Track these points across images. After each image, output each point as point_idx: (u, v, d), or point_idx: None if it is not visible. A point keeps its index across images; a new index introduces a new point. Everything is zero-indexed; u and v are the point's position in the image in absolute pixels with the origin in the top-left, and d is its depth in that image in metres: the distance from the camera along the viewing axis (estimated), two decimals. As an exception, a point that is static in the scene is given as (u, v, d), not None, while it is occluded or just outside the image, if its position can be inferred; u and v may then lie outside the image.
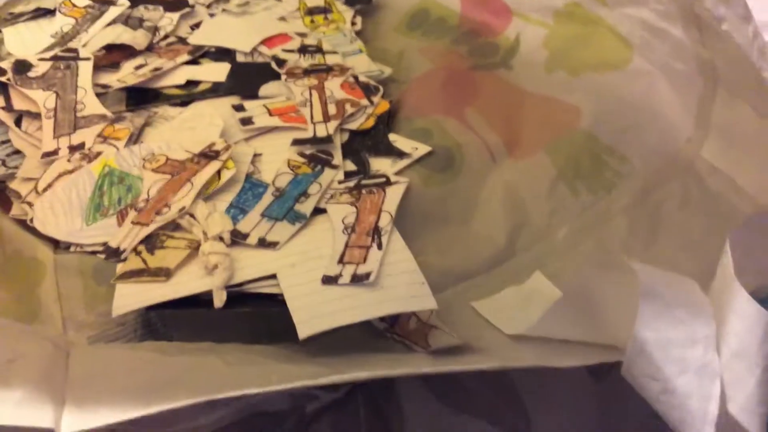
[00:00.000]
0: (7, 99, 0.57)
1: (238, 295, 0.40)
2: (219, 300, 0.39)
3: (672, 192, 0.44)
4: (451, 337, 0.38)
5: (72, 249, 0.46)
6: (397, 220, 0.45)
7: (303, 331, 0.36)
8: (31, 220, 0.48)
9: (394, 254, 0.41)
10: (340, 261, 0.41)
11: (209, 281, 0.40)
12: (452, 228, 0.46)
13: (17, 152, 0.54)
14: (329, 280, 0.40)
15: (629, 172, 0.45)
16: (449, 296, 0.43)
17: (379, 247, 0.41)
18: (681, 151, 0.44)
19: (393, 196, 0.46)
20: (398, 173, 0.49)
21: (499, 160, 0.50)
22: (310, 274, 0.40)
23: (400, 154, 0.50)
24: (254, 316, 0.40)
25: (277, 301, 0.40)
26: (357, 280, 0.39)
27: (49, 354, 0.32)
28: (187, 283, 0.40)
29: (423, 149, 0.50)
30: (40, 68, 0.58)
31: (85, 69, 0.58)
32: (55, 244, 0.46)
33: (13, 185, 0.51)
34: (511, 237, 0.45)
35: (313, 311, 0.37)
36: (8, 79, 0.57)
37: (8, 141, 0.55)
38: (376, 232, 0.43)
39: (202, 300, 0.40)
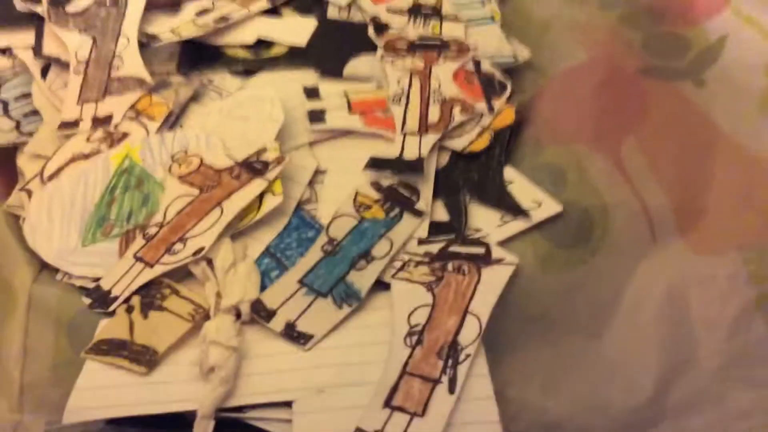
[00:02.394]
0: (39, 38, 0.45)
1: (231, 423, 0.28)
2: (201, 435, 0.27)
3: None
4: None
5: (58, 276, 0.35)
6: (491, 321, 0.30)
7: None
8: (23, 221, 0.37)
9: (472, 406, 0.27)
10: (388, 403, 0.27)
11: (199, 395, 0.28)
12: (573, 344, 0.31)
13: (36, 113, 0.43)
14: (364, 439, 0.26)
15: None
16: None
17: (451, 388, 0.27)
18: None
19: (490, 286, 0.31)
20: (506, 242, 0.33)
21: (662, 240, 0.33)
22: (340, 416, 0.27)
23: (515, 210, 0.34)
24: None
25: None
26: (404, 452, 0.25)
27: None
28: (170, 389, 0.28)
29: (550, 207, 0.34)
30: (82, 1, 0.46)
31: (135, 9, 0.45)
32: (41, 263, 0.35)
33: (20, 161, 0.41)
34: (662, 383, 0.29)
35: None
36: (42, 11, 0.45)
37: (29, 95, 0.44)
38: (453, 352, 0.28)
39: (183, 415, 0.28)
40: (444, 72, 0.42)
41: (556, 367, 0.31)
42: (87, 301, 0.33)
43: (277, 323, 0.31)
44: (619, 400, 0.30)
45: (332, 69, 0.43)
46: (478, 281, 0.31)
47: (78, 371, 0.31)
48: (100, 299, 0.33)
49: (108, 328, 0.31)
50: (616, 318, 0.31)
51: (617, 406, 0.29)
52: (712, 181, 0.35)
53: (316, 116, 0.40)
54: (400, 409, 0.27)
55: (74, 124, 0.41)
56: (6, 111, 0.43)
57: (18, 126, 0.43)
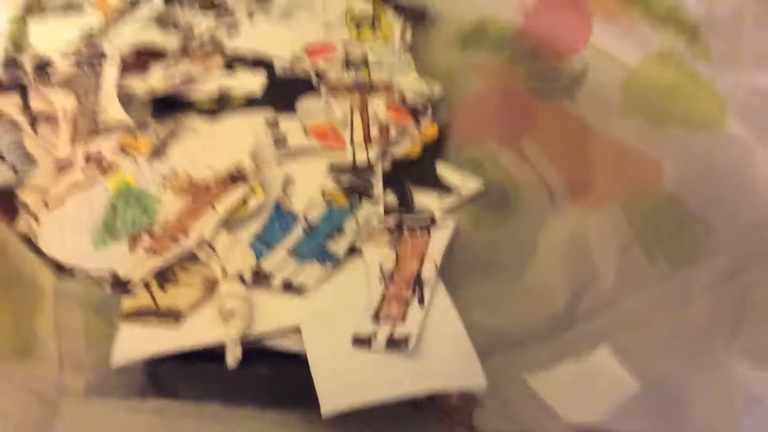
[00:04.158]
0: (25, 98, 0.52)
1: (254, 351, 0.35)
2: (232, 358, 0.34)
3: (762, 276, 0.38)
4: (501, 419, 0.32)
5: (77, 275, 0.41)
6: (443, 265, 0.39)
7: (327, 407, 0.31)
8: (37, 238, 0.43)
9: (438, 314, 0.35)
10: (375, 317, 0.35)
11: (224, 331, 0.35)
12: (505, 278, 0.40)
13: (30, 159, 0.50)
14: (361, 342, 0.34)
15: (715, 246, 0.39)
16: (498, 364, 0.37)
17: (421, 302, 0.36)
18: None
19: (439, 240, 0.40)
20: (445, 212, 0.43)
21: (558, 203, 0.44)
22: (338, 331, 0.35)
23: (448, 190, 0.44)
24: (271, 378, 0.34)
25: (298, 360, 0.34)
26: (393, 345, 0.34)
27: (33, 416, 0.27)
28: (198, 332, 0.35)
29: (474, 185, 0.44)
30: (63, 67, 0.53)
31: (110, 71, 0.54)
32: (59, 268, 0.41)
33: (23, 195, 0.47)
34: (573, 298, 0.39)
35: (340, 381, 0.32)
36: (28, 77, 0.52)
37: (22, 145, 0.50)
38: (418, 283, 0.37)
39: (214, 351, 0.35)
40: (378, 104, 0.52)
41: (495, 295, 0.40)
42: (108, 288, 0.39)
43: (276, 281, 0.38)
44: (542, 312, 0.39)
45: (286, 109, 0.52)
46: (429, 238, 0.40)
47: (108, 339, 0.37)
48: (120, 284, 0.39)
49: (133, 301, 0.38)
50: (534, 258, 0.41)
51: (541, 317, 0.39)
52: (591, 162, 0.46)
53: (280, 142, 0.49)
54: (385, 319, 0.35)
55: (68, 160, 0.48)
56: (1, 158, 0.50)
57: (15, 170, 0.49)
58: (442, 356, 0.33)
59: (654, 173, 0.42)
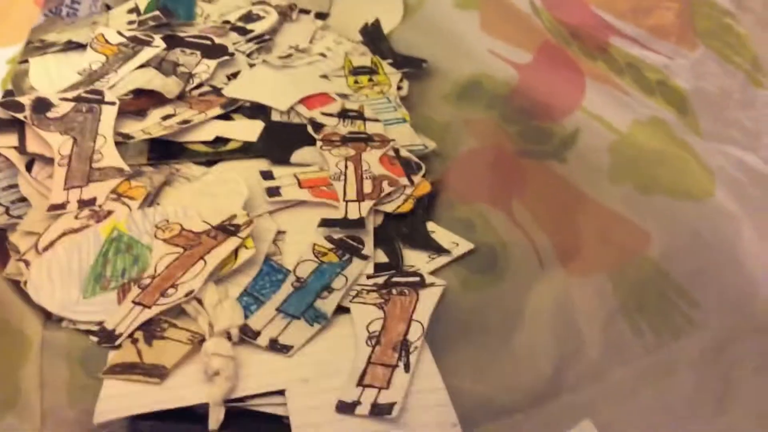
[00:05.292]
0: (22, 139, 0.53)
1: (238, 413, 0.35)
2: (215, 420, 0.34)
3: (748, 352, 0.38)
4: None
5: (64, 324, 0.41)
6: (429, 328, 0.40)
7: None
8: (25, 283, 0.43)
9: (424, 380, 0.36)
10: (360, 382, 0.35)
11: (208, 391, 0.35)
12: (491, 344, 0.40)
13: (23, 199, 0.50)
14: (345, 407, 0.34)
15: (701, 320, 0.39)
16: (481, 436, 0.37)
17: (407, 368, 0.36)
18: (761, 309, 0.38)
19: (427, 302, 0.40)
20: (434, 272, 0.43)
21: (547, 267, 0.44)
22: (324, 395, 0.35)
23: (439, 250, 0.44)
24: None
25: (281, 424, 0.34)
26: (378, 412, 0.34)
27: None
28: (182, 390, 0.35)
29: (464, 246, 0.45)
30: (61, 108, 0.54)
31: (109, 115, 0.54)
32: (47, 316, 0.42)
33: (13, 238, 0.47)
34: (558, 367, 0.39)
35: (323, 448, 0.32)
36: (25, 117, 0.53)
37: (15, 186, 0.51)
38: (404, 347, 0.37)
39: (196, 412, 0.35)
40: (371, 157, 0.53)
41: (480, 360, 0.40)
42: (94, 339, 0.39)
43: (263, 340, 0.38)
44: (527, 381, 0.39)
45: (281, 158, 0.53)
46: (417, 299, 0.41)
47: (93, 395, 0.36)
48: (107, 336, 0.39)
49: (118, 355, 0.38)
50: (520, 323, 0.42)
51: (527, 386, 0.39)
52: (579, 226, 0.47)
53: (272, 191, 0.49)
54: (370, 385, 0.35)
55: (62, 206, 0.48)
56: (-6, 199, 0.50)
57: (7, 211, 0.49)
58: (426, 426, 0.33)
59: (641, 242, 0.42)
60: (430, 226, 0.47)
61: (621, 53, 0.47)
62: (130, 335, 0.39)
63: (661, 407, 0.37)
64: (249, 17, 0.68)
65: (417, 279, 0.42)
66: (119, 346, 0.39)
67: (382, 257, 0.45)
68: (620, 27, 0.45)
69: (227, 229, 0.45)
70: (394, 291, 0.41)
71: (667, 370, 0.38)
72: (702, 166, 0.43)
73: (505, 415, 0.37)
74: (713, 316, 0.39)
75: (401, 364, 0.36)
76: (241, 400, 0.35)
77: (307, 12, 0.70)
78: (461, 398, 0.37)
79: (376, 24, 0.66)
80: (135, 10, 0.68)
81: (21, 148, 0.52)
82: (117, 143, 0.53)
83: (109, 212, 0.48)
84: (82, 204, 0.48)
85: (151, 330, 0.39)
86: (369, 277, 0.43)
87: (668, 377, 0.38)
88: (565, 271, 0.44)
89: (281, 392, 0.35)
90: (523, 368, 0.40)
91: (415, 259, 0.44)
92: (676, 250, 0.41)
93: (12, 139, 0.53)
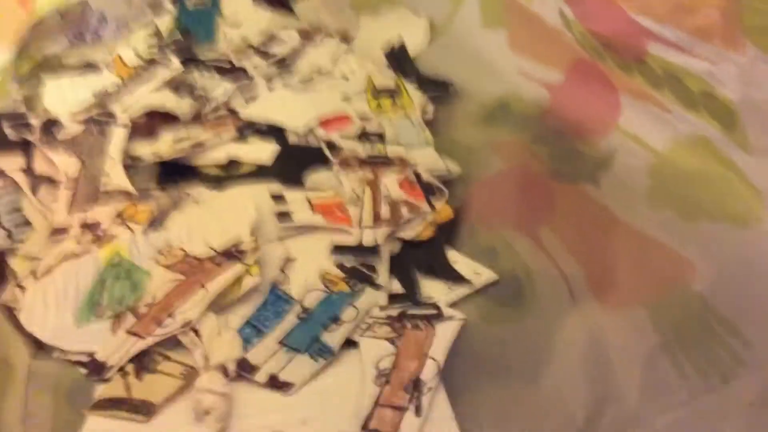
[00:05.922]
0: (29, 160, 0.51)
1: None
2: (201, 466, 0.30)
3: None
4: None
5: (55, 355, 0.38)
6: (446, 366, 0.36)
7: None
8: (19, 310, 0.41)
9: (437, 426, 0.32)
10: (365, 426, 0.31)
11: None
12: (515, 385, 0.36)
13: (26, 223, 0.48)
14: (346, 455, 0.30)
15: (753, 361, 0.34)
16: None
17: (418, 412, 0.32)
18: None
19: (444, 337, 0.37)
20: (453, 304, 0.39)
21: (578, 299, 0.40)
22: (323, 440, 0.31)
23: (459, 280, 0.41)
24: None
25: (276, 472, 0.30)
26: (382, 461, 0.30)
27: None
28: (170, 430, 0.32)
29: (487, 276, 0.41)
30: (71, 130, 0.52)
31: (119, 137, 0.52)
32: (38, 346, 0.39)
33: (13, 263, 0.45)
34: (591, 413, 0.35)
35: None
36: (34, 138, 0.51)
37: (20, 209, 0.49)
38: (417, 387, 0.33)
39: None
40: (391, 181, 0.50)
41: (502, 405, 0.36)
42: (84, 371, 0.36)
43: (261, 376, 0.35)
44: (555, 429, 0.35)
45: (295, 181, 0.50)
46: (433, 334, 0.37)
47: (75, 430, 0.34)
48: (97, 369, 0.36)
49: (106, 389, 0.35)
50: (549, 363, 0.37)
51: (557, 434, 0.35)
52: (614, 254, 0.42)
53: (283, 216, 0.46)
54: (376, 430, 0.31)
55: (64, 230, 0.46)
56: (-2, 222, 0.48)
57: (10, 235, 0.47)
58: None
59: (683, 272, 0.38)
60: (451, 254, 0.43)
61: (660, 62, 0.43)
62: (121, 368, 0.36)
63: (708, 462, 0.32)
64: (271, 41, 0.66)
65: (434, 312, 0.38)
66: (109, 379, 0.36)
67: (398, 288, 0.41)
68: (659, 31, 0.41)
69: (232, 254, 0.42)
70: (408, 324, 0.38)
71: (715, 417, 0.33)
72: (750, 187, 0.39)
73: (529, 469, 0.33)
74: (766, 356, 0.34)
75: (412, 407, 0.32)
76: (233, 444, 0.32)
77: (332, 36, 0.68)
78: (480, 446, 0.33)
79: (402, 46, 0.64)
80: (156, 33, 0.67)
81: (28, 170, 0.50)
82: (127, 166, 0.50)
83: (112, 236, 0.45)
84: (86, 228, 0.46)
85: (143, 362, 0.36)
86: (382, 308, 0.39)
87: (717, 426, 0.33)
88: (598, 304, 0.40)
89: (277, 435, 0.32)
90: (550, 414, 0.35)
91: (433, 289, 0.41)
92: (723, 281, 0.36)
93: (20, 161, 0.51)
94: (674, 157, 0.44)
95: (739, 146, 0.39)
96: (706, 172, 0.42)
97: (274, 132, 0.55)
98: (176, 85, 0.59)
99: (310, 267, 0.42)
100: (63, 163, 0.50)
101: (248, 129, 0.55)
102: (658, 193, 0.42)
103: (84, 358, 0.38)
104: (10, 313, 0.41)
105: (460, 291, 0.40)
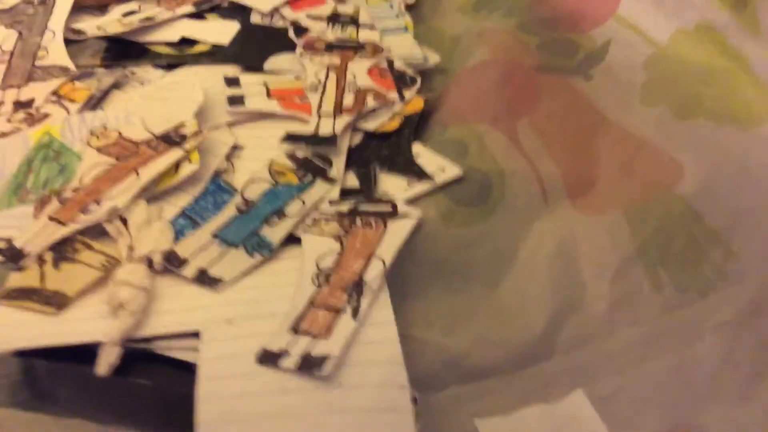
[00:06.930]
0: (-38, 32, 0.46)
1: (142, 355, 0.28)
2: (105, 363, 0.27)
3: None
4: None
5: (-30, 240, 0.35)
6: (397, 269, 0.32)
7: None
8: (-63, 192, 0.37)
9: (375, 330, 0.28)
10: (295, 327, 0.28)
11: (106, 327, 0.28)
12: (473, 290, 0.33)
13: (-43, 100, 0.43)
14: (269, 357, 0.27)
15: (737, 274, 0.31)
16: (446, 400, 0.29)
17: (355, 314, 0.29)
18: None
19: (395, 235, 0.33)
20: (411, 202, 0.35)
21: (552, 202, 0.36)
22: (247, 341, 0.28)
23: (420, 175, 0.36)
24: (153, 392, 0.27)
25: (191, 373, 0.27)
26: (307, 366, 0.27)
27: None
28: (81, 325, 0.29)
29: (451, 172, 0.37)
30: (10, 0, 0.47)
31: (62, 8, 0.47)
32: (-47, 229, 0.35)
33: (-64, 141, 0.41)
34: (552, 323, 0.31)
35: (230, 408, 0.25)
36: (-30, 8, 0.46)
37: (-50, 83, 0.44)
38: (357, 288, 0.30)
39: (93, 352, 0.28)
40: (359, 67, 0.45)
41: (457, 310, 0.32)
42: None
43: (190, 270, 0.31)
44: (513, 338, 0.31)
45: (254, 65, 0.45)
46: (384, 232, 0.33)
47: (-16, 322, 0.30)
48: (12, 255, 0.33)
49: (18, 278, 0.32)
50: (512, 268, 0.34)
51: (511, 343, 0.31)
52: (597, 156, 0.38)
53: (235, 100, 0.41)
54: (306, 332, 0.28)
55: (-5, 106, 0.42)
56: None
57: (-64, 110, 0.43)
58: (364, 388, 0.26)
59: (671, 175, 0.34)
60: (416, 148, 0.39)
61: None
62: (39, 256, 0.33)
63: (676, 382, 0.29)
64: None
65: (388, 208, 0.34)
66: (23, 268, 0.32)
67: (353, 181, 0.37)
68: None
69: (171, 139, 0.38)
70: (358, 221, 0.34)
71: (688, 334, 0.30)
72: (755, 83, 0.34)
73: (480, 376, 0.30)
74: (752, 270, 0.31)
75: (349, 309, 0.29)
76: (149, 340, 0.28)
77: None
78: (427, 354, 0.30)
79: None
80: None
81: (-40, 42, 0.46)
82: (69, 41, 0.46)
83: (46, 115, 0.41)
84: (18, 105, 0.42)
85: (62, 250, 0.33)
86: (332, 203, 0.35)
87: (689, 344, 0.30)
88: (573, 207, 0.36)
89: (197, 336, 0.29)
90: (509, 322, 0.32)
91: (392, 185, 0.37)
92: (714, 187, 0.32)
93: (-49, 32, 0.46)
94: (675, 49, 0.39)
95: (748, 28, 0.34)
96: (709, 64, 0.37)
97: (237, 10, 0.50)
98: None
99: (259, 156, 0.38)
100: (-1, 36, 0.45)
101: (207, 5, 0.49)
102: (653, 88, 0.38)
103: (1, 245, 0.34)
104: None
105: (420, 187, 0.36)
